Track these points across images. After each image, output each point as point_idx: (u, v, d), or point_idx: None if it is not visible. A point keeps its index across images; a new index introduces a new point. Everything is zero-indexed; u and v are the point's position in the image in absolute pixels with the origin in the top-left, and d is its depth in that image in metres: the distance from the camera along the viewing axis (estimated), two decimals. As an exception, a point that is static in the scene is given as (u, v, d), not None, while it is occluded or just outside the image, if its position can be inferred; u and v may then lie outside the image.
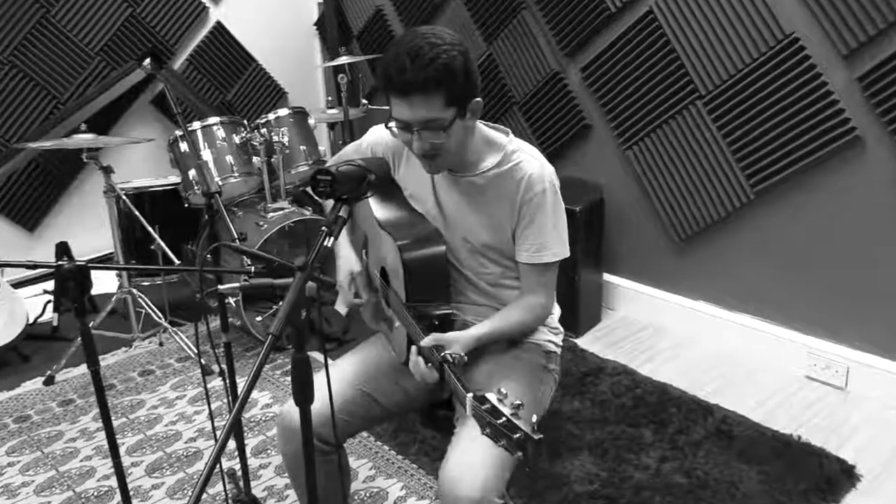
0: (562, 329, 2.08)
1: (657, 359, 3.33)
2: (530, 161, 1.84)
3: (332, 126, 4.58)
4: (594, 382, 3.07)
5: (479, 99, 1.75)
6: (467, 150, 1.82)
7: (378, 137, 2.03)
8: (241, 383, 2.92)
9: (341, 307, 3.83)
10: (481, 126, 1.87)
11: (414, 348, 1.71)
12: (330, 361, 1.68)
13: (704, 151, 3.20)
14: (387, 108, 4.43)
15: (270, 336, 1.27)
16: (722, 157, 3.14)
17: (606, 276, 3.75)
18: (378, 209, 1.97)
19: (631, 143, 3.46)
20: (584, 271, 3.48)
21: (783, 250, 3.10)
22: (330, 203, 2.02)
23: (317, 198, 1.54)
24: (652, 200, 3.47)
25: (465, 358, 1.67)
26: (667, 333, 3.53)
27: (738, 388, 3.06)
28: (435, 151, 1.73)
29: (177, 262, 3.48)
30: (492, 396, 1.38)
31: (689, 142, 3.24)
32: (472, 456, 1.64)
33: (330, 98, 4.52)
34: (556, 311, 2.06)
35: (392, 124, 1.74)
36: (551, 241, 1.84)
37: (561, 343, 2.06)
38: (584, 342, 3.48)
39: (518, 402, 1.34)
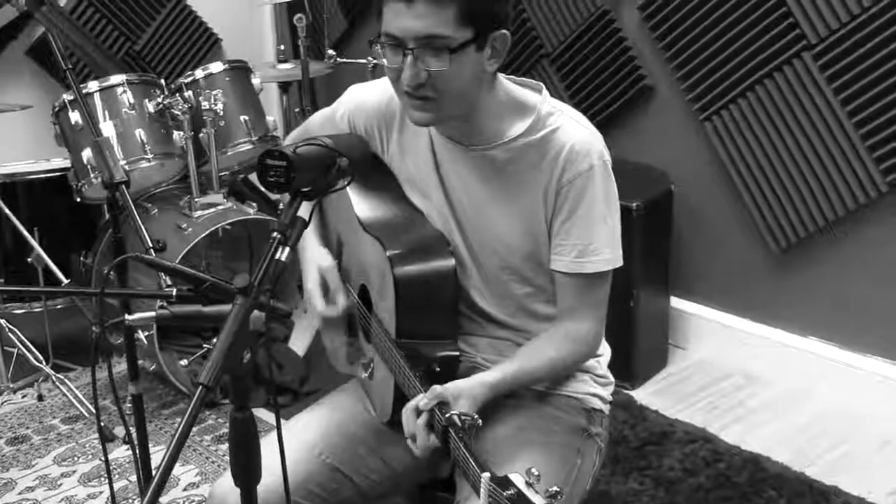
0: (611, 377, 2.09)
1: (748, 419, 3.34)
2: (572, 127, 1.86)
3: (285, 87, 4.60)
4: (658, 453, 3.08)
5: (506, 32, 1.78)
6: (479, 107, 1.84)
7: (358, 100, 2.05)
8: (157, 454, 2.93)
9: (298, 344, 3.85)
10: (505, 81, 1.89)
11: (407, 407, 1.73)
12: (283, 422, 1.70)
13: (814, 124, 3.22)
14: (363, 61, 4.41)
15: (200, 387, 1.29)
16: (840, 131, 3.16)
17: (675, 302, 3.77)
18: (360, 204, 2.00)
19: (710, 111, 3.48)
20: (644, 294, 3.50)
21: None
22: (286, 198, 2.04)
23: (266, 190, 1.55)
24: (740, 193, 3.48)
25: (480, 421, 1.69)
26: (762, 384, 3.54)
27: (867, 464, 3.06)
28: (430, 89, 1.75)
29: (65, 280, 3.49)
30: (517, 479, 1.39)
31: (792, 110, 3.26)
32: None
33: (282, 48, 4.55)
34: (606, 351, 2.08)
35: (378, 46, 1.77)
36: (601, 240, 1.86)
37: (610, 397, 2.08)
38: (643, 395, 3.49)
39: (555, 488, 1.35)
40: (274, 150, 1.52)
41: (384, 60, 1.78)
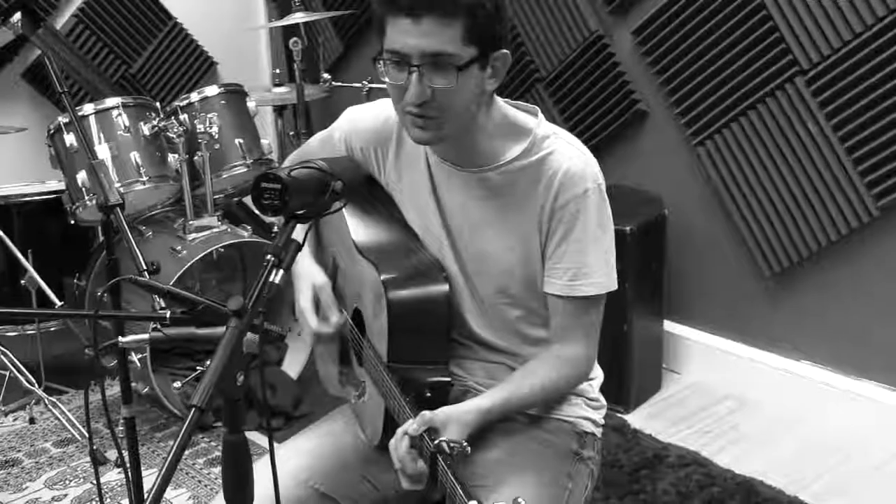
0: (604, 401, 2.09)
1: (742, 443, 3.34)
2: (567, 150, 1.87)
3: (280, 111, 4.61)
4: (651, 477, 3.08)
5: (506, 52, 1.80)
6: (476, 128, 1.85)
7: (355, 121, 2.06)
8: (149, 477, 2.91)
9: (292, 367, 3.85)
10: (501, 103, 1.91)
11: (397, 433, 1.72)
12: (276, 446, 1.69)
13: (807, 148, 3.23)
14: (357, 85, 4.40)
15: (194, 410, 1.29)
16: (832, 156, 3.18)
17: (668, 326, 3.77)
18: (356, 227, 2.00)
19: (703, 136, 3.50)
20: (638, 318, 3.51)
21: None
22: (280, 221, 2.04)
23: (260, 213, 1.56)
24: (733, 218, 3.50)
25: (468, 448, 1.69)
26: (755, 408, 3.54)
27: (861, 489, 3.06)
28: (434, 107, 1.75)
29: (58, 303, 3.48)
30: (504, 508, 1.39)
31: (784, 135, 3.28)
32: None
33: (278, 72, 4.56)
34: (598, 375, 2.08)
35: (381, 63, 1.77)
36: (594, 264, 1.86)
37: (602, 421, 2.07)
38: (636, 419, 3.49)
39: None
40: (269, 172, 1.53)
41: (386, 78, 1.78)
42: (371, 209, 2.02)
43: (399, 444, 1.71)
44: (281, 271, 1.46)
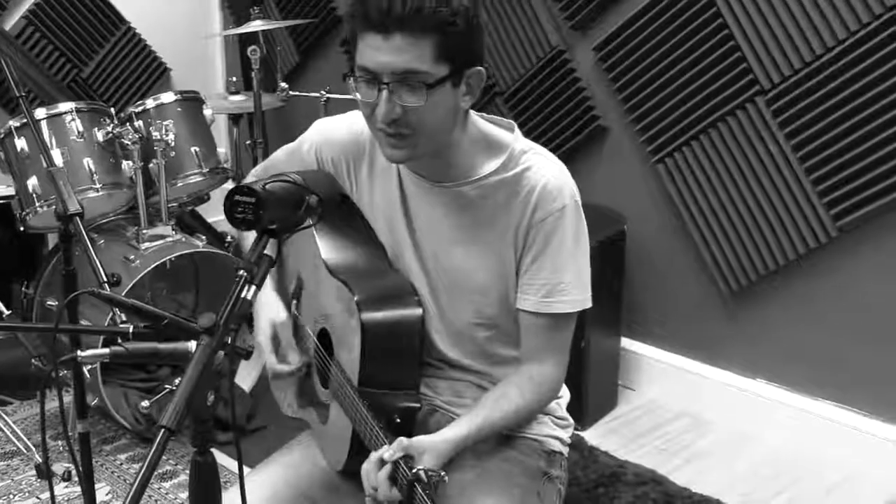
0: (571, 420, 2.10)
1: (698, 462, 3.35)
2: (545, 166, 1.86)
3: (235, 119, 4.56)
4: (609, 494, 3.07)
5: (481, 69, 1.77)
6: (451, 144, 1.82)
7: (326, 132, 2.02)
8: (99, 490, 2.85)
9: (245, 381, 3.79)
10: (477, 118, 1.89)
11: (371, 458, 1.70)
12: (231, 484, 1.65)
13: (766, 168, 3.26)
14: (316, 95, 4.35)
15: (164, 431, 1.25)
16: (791, 176, 3.20)
17: (626, 343, 3.78)
18: (326, 246, 1.96)
19: (663, 153, 3.51)
20: (595, 335, 3.50)
21: (881, 311, 3.15)
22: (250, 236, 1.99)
23: (233, 227, 1.52)
24: (692, 235, 3.51)
25: (446, 477, 1.67)
26: (712, 425, 3.56)
27: (814, 506, 3.10)
28: (405, 126, 1.72)
29: (5, 311, 3.42)
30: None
31: (744, 154, 3.30)
32: None
33: (234, 79, 4.51)
34: (566, 393, 2.07)
35: (352, 80, 1.74)
36: (570, 281, 1.85)
37: (569, 440, 2.08)
38: (593, 436, 3.48)
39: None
40: (242, 186, 1.49)
41: (358, 95, 1.75)
42: (342, 226, 1.98)
43: (373, 470, 1.69)
44: (253, 287, 1.43)
